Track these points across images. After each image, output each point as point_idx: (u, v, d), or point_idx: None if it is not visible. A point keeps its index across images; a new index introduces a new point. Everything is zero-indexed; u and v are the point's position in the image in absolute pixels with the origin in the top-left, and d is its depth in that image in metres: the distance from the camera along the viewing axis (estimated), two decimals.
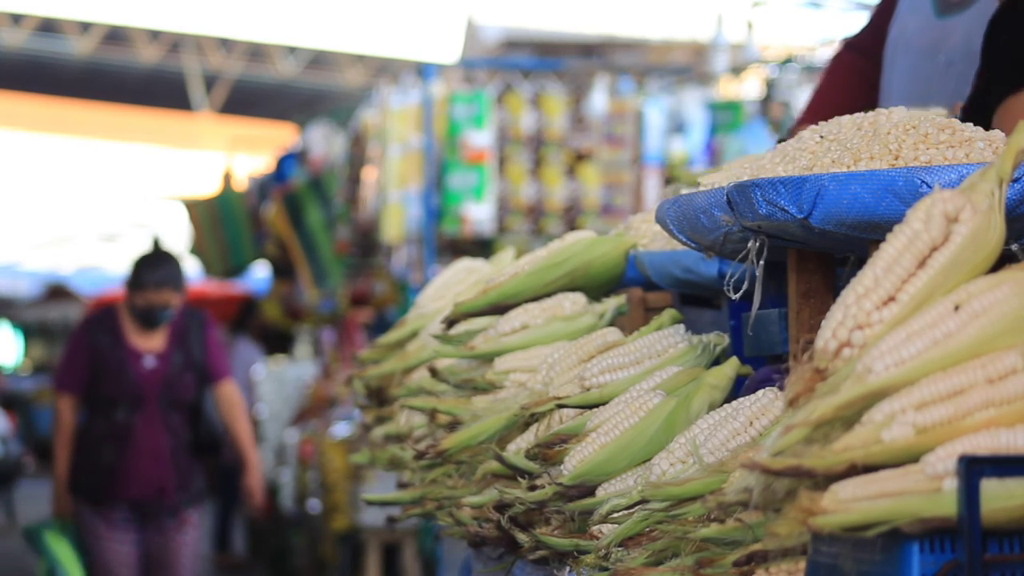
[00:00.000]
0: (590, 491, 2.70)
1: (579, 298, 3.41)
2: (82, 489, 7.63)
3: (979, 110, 3.06)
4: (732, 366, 2.85)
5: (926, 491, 1.86)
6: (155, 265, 7.66)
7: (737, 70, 9.65)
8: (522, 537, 2.79)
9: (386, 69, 20.66)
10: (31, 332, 29.39)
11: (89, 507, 7.61)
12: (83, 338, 7.74)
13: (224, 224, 16.98)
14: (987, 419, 1.91)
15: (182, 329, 7.72)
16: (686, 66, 11.26)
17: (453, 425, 3.19)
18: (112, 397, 7.62)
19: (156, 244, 7.90)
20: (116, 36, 23.04)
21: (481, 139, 9.35)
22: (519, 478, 2.84)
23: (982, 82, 3.12)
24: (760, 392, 2.59)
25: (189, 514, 7.78)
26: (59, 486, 7.66)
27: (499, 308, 3.43)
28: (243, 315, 15.68)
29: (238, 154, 22.99)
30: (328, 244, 12.77)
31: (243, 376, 14.66)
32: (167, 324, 7.67)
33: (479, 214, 9.34)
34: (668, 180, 9.22)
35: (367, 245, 11.14)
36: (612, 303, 3.37)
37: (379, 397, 3.92)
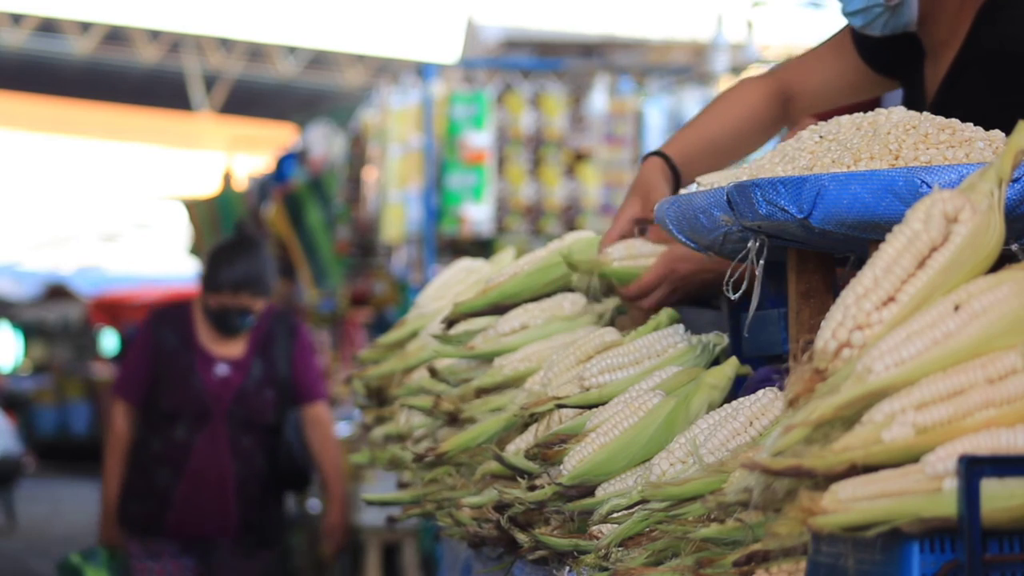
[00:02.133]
0: (590, 491, 2.70)
1: (579, 298, 3.41)
2: (128, 518, 6.46)
3: None
4: (732, 366, 2.85)
5: (926, 491, 1.86)
6: (233, 261, 6.45)
7: (737, 70, 9.65)
8: (522, 537, 2.78)
9: (386, 69, 20.66)
10: (31, 332, 29.41)
11: (137, 540, 6.44)
12: (148, 336, 6.57)
13: (224, 224, 16.98)
14: (987, 419, 1.91)
15: (267, 336, 6.55)
16: (686, 66, 11.26)
17: (453, 419, 3.19)
18: (172, 410, 6.43)
19: (239, 232, 6.91)
20: (116, 36, 23.05)
21: (480, 139, 9.35)
22: (519, 478, 2.84)
23: None
24: (760, 392, 2.59)
25: (255, 561, 6.51)
26: (106, 510, 6.51)
27: (499, 308, 3.43)
28: None
29: (238, 154, 23.00)
30: (328, 244, 12.77)
31: None
32: (248, 330, 6.53)
33: (478, 214, 9.34)
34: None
35: (367, 245, 11.14)
36: (612, 303, 3.37)
37: (379, 397, 3.92)
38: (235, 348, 6.49)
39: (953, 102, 3.08)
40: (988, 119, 2.56)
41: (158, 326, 6.57)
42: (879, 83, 3.43)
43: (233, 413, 6.41)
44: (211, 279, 6.43)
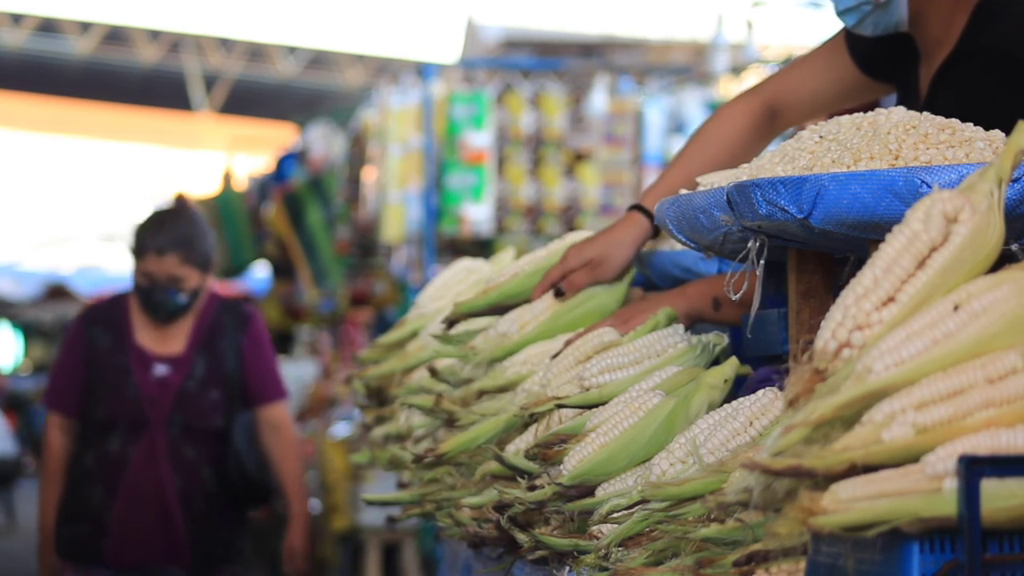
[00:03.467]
0: (590, 491, 2.70)
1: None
2: (62, 545, 5.57)
3: None
4: (732, 366, 2.85)
5: (926, 491, 1.86)
6: (162, 224, 5.58)
7: (737, 70, 9.65)
8: (522, 537, 2.78)
9: (386, 69, 20.66)
10: (31, 332, 29.40)
11: (72, 569, 5.57)
12: (79, 337, 5.68)
13: (224, 224, 16.98)
14: (987, 419, 1.91)
15: (212, 327, 5.67)
16: (686, 66, 11.26)
17: (454, 419, 3.19)
18: (107, 419, 5.56)
19: (178, 201, 6.11)
20: (116, 36, 23.05)
21: (480, 139, 9.35)
22: (518, 478, 2.84)
23: None
24: (760, 392, 2.59)
25: None
26: (43, 537, 5.63)
27: (499, 308, 3.43)
28: None
29: (238, 154, 23.00)
30: (328, 244, 12.77)
31: None
32: (190, 318, 5.64)
33: (478, 214, 9.34)
34: None
35: (367, 245, 11.14)
36: (622, 288, 3.35)
37: (379, 397, 3.92)
38: (175, 344, 5.62)
39: (945, 97, 3.07)
40: (979, 115, 2.56)
41: (90, 325, 5.69)
42: (873, 89, 3.42)
43: (172, 419, 5.53)
44: (136, 246, 5.58)
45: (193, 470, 5.54)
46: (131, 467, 5.51)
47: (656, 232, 3.36)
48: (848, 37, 3.35)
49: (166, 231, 5.52)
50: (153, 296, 5.54)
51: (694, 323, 3.23)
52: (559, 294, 3.32)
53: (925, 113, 2.56)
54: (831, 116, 3.02)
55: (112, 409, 5.55)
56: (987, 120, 2.53)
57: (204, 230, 5.63)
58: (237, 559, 5.70)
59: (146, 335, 5.64)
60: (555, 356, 3.11)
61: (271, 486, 5.77)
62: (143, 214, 5.76)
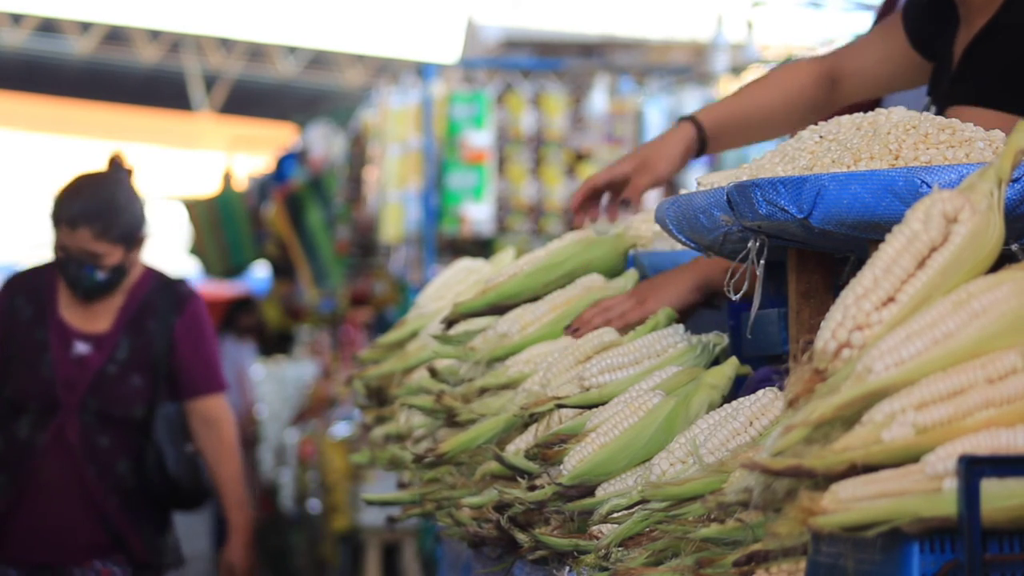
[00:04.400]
0: (590, 491, 2.70)
1: (599, 278, 3.41)
2: None
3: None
4: (732, 366, 2.85)
5: (926, 491, 1.86)
6: (80, 192, 5.02)
7: (737, 70, 9.65)
8: (522, 537, 2.79)
9: (386, 69, 20.66)
10: None
11: None
12: (0, 306, 5.12)
13: (224, 224, 16.99)
14: (987, 419, 1.91)
15: (143, 306, 5.08)
16: (686, 66, 11.26)
17: (454, 418, 3.19)
18: (18, 399, 5.00)
19: (110, 164, 5.25)
20: (116, 36, 23.04)
21: (481, 139, 9.35)
22: (518, 478, 2.84)
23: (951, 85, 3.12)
24: (760, 392, 2.59)
25: None
26: None
27: (499, 308, 3.43)
28: (231, 314, 15.67)
29: (238, 154, 22.99)
30: (328, 244, 12.77)
31: (231, 378, 14.68)
32: (120, 294, 5.08)
33: (478, 214, 9.34)
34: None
35: (367, 245, 11.14)
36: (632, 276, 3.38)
37: (379, 397, 3.92)
38: (101, 321, 5.05)
39: (975, 66, 3.07)
40: (1007, 87, 2.56)
41: (14, 294, 5.12)
42: (925, 70, 3.43)
43: (86, 404, 4.97)
44: (51, 214, 5.02)
45: (107, 462, 4.98)
46: (39, 455, 4.95)
47: (703, 147, 3.41)
48: (904, 11, 3.37)
49: (81, 201, 4.95)
50: (68, 271, 4.97)
51: (709, 296, 3.25)
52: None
53: (925, 113, 2.56)
54: (883, 95, 3.04)
55: (23, 388, 4.98)
56: (1013, 93, 2.53)
57: (127, 201, 5.00)
58: (159, 565, 5.08)
59: (71, 310, 5.05)
60: (567, 328, 3.14)
61: (202, 488, 5.18)
62: (65, 179, 5.17)
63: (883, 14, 4.28)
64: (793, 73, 3.52)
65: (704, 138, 3.44)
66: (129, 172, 5.17)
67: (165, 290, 5.12)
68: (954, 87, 3.10)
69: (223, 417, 5.19)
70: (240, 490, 5.26)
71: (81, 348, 5.03)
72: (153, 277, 5.15)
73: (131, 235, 5.00)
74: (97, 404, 4.98)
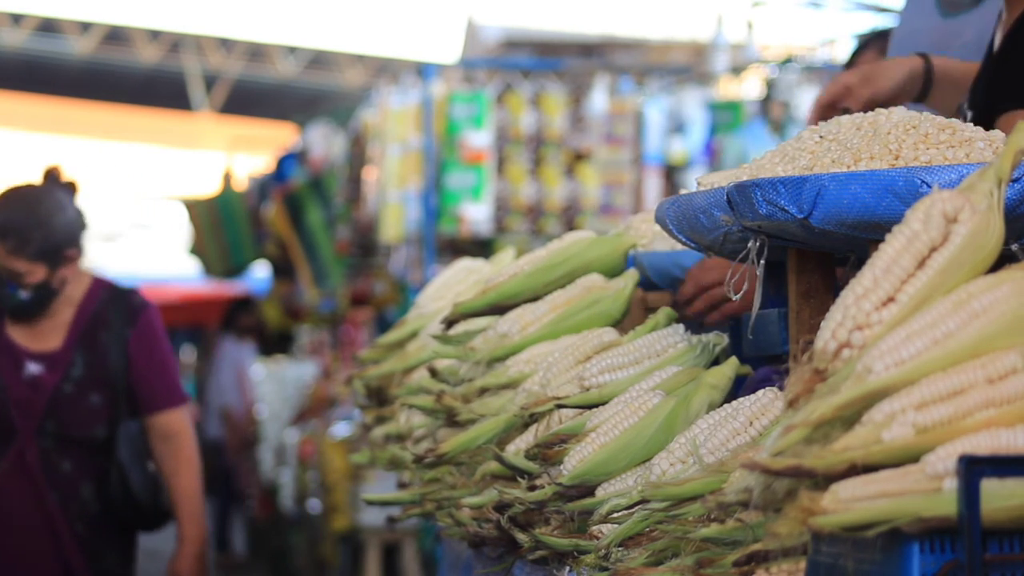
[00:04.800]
0: (590, 491, 2.70)
1: (598, 278, 3.41)
2: None
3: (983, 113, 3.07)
4: (732, 366, 2.85)
5: (926, 491, 1.86)
6: (1, 207, 4.74)
7: (737, 70, 9.66)
8: (522, 537, 2.79)
9: (386, 69, 20.66)
10: None
11: None
12: None
13: (224, 224, 17.00)
14: (987, 419, 1.91)
15: (94, 320, 4.81)
16: (686, 66, 11.27)
17: (454, 417, 3.19)
18: None
19: (45, 177, 5.01)
20: (116, 36, 23.05)
21: (480, 139, 9.35)
22: (519, 478, 2.84)
23: (986, 88, 3.11)
24: (760, 392, 2.59)
25: None
26: None
27: (499, 308, 3.42)
28: (231, 314, 15.68)
29: (238, 154, 23.01)
30: (328, 244, 12.78)
31: (231, 378, 14.69)
32: (69, 309, 4.81)
33: (477, 214, 9.34)
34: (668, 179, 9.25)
35: (367, 245, 11.14)
36: (632, 279, 3.38)
37: (379, 397, 3.92)
38: (51, 339, 4.78)
39: (1015, 49, 3.06)
40: None
41: None
42: None
43: (45, 428, 4.71)
44: None
45: (70, 488, 4.72)
46: None
47: (927, 86, 3.42)
48: None
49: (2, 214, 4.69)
50: None
51: (923, 90, 3.34)
52: None
53: (925, 113, 2.56)
54: None
55: None
56: None
57: (48, 217, 4.69)
58: None
59: (18, 330, 4.78)
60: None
61: (162, 508, 4.90)
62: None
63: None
64: None
65: (931, 77, 3.42)
66: (67, 186, 4.92)
67: (116, 301, 4.83)
68: (996, 74, 3.09)
69: (183, 431, 4.89)
70: (197, 504, 4.90)
71: (33, 368, 4.75)
72: (103, 288, 4.86)
73: (53, 252, 4.69)
74: (55, 427, 4.73)
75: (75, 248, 4.76)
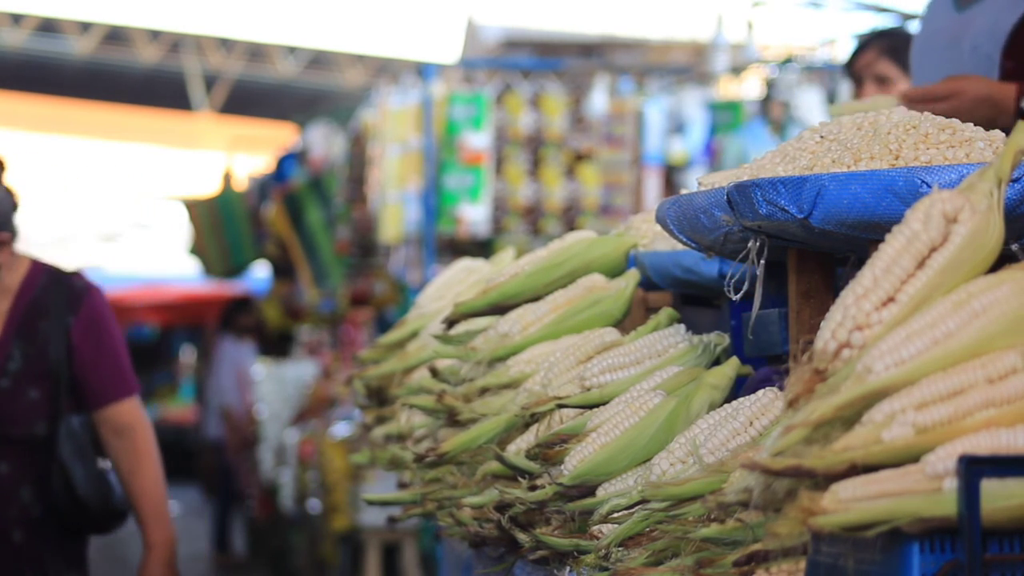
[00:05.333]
0: (590, 491, 2.70)
1: (600, 279, 3.41)
2: None
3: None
4: (732, 366, 2.85)
5: (926, 491, 1.87)
6: None
7: (737, 70, 9.66)
8: (522, 537, 2.79)
9: (386, 69, 20.66)
10: None
11: None
12: None
13: (224, 224, 17.00)
14: (987, 419, 1.91)
15: (32, 308, 4.40)
16: (686, 66, 11.26)
17: (455, 417, 3.19)
18: None
19: None
20: (116, 36, 23.05)
21: (479, 140, 9.35)
22: (519, 478, 2.84)
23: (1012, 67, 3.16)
24: (760, 392, 2.59)
25: None
26: None
27: (499, 308, 3.43)
28: (229, 314, 15.67)
29: (238, 154, 23.01)
30: (328, 244, 12.78)
31: (231, 378, 14.69)
32: (6, 297, 4.41)
33: (474, 215, 9.34)
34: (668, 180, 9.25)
35: (367, 245, 11.14)
36: (633, 278, 3.39)
37: (379, 397, 3.92)
38: None
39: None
40: None
41: None
42: None
43: None
44: None
45: (8, 490, 4.32)
46: None
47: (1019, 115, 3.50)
48: None
49: None
50: None
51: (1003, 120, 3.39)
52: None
53: (925, 113, 2.56)
54: None
55: None
56: None
57: None
58: None
59: None
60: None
61: (113, 509, 4.45)
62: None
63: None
64: None
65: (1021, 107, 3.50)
66: None
67: (57, 286, 4.43)
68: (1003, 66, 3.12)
69: (137, 423, 4.44)
70: (160, 503, 4.44)
71: None
72: (43, 273, 4.47)
73: None
74: None
75: (7, 231, 4.45)
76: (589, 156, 9.72)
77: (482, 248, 8.99)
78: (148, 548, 4.43)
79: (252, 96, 25.42)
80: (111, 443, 4.43)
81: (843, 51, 8.81)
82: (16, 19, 22.53)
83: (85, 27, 22.90)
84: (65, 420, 4.38)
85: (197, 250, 17.69)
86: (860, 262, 2.55)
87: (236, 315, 15.55)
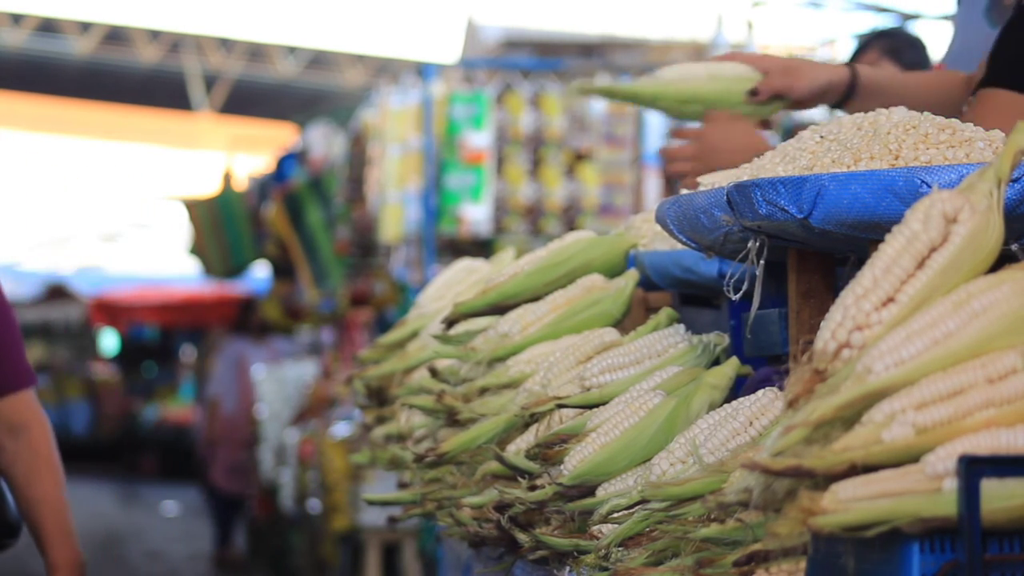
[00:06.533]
0: (590, 491, 2.70)
1: (599, 278, 3.41)
2: None
3: None
4: (732, 366, 2.85)
5: (926, 491, 1.87)
6: None
7: None
8: (522, 537, 2.79)
9: (386, 69, 20.66)
10: (31, 332, 29.42)
11: None
12: None
13: (224, 224, 17.00)
14: (987, 419, 1.91)
15: None
16: None
17: (454, 417, 3.19)
18: None
19: None
20: (116, 36, 23.06)
21: (480, 140, 9.35)
22: (519, 478, 2.84)
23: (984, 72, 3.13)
24: (760, 392, 2.59)
25: None
26: None
27: (499, 308, 3.43)
28: (243, 315, 15.70)
29: (238, 154, 23.02)
30: (328, 244, 12.78)
31: (231, 378, 14.70)
32: None
33: (476, 215, 9.34)
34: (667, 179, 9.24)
35: (367, 245, 11.14)
36: (632, 278, 3.39)
37: (379, 397, 3.92)
38: None
39: (1009, 47, 3.08)
40: None
41: None
42: None
43: None
44: None
45: None
46: None
47: (850, 93, 3.47)
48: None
49: None
50: None
51: (838, 100, 3.41)
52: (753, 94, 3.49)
53: (925, 113, 2.56)
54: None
55: None
56: None
57: None
58: None
59: None
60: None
61: (10, 520, 3.90)
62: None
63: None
64: (952, 76, 3.57)
65: (854, 88, 3.47)
66: None
67: None
68: (988, 67, 3.11)
69: (34, 420, 3.85)
70: (62, 516, 3.84)
71: None
72: None
73: None
74: None
75: None
76: (589, 156, 9.72)
77: (483, 248, 8.99)
78: (51, 571, 3.81)
79: (252, 96, 25.44)
80: (4, 444, 3.83)
81: (843, 51, 8.80)
82: (16, 19, 22.54)
83: (85, 27, 22.91)
84: None
85: (197, 250, 17.70)
86: (860, 262, 2.55)
87: (248, 316, 15.59)
